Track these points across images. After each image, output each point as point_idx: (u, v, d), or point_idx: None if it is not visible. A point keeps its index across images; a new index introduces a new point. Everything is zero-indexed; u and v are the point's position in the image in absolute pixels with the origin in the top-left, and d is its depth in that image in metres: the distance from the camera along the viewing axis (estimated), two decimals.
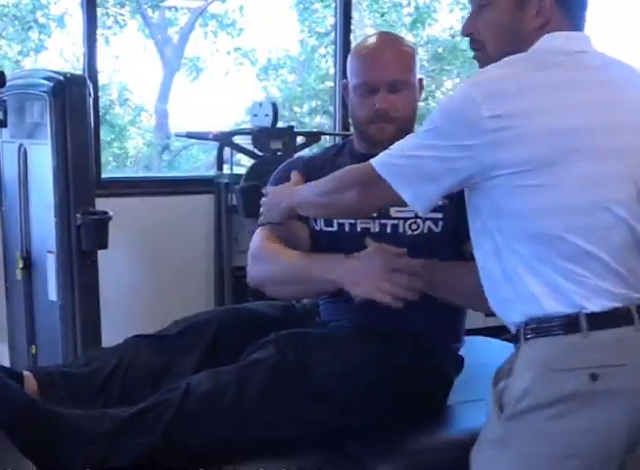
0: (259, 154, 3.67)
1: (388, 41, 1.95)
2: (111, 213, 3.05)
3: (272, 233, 1.90)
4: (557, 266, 1.38)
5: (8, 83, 2.93)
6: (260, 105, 3.79)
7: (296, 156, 2.90)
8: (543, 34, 1.47)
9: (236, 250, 3.76)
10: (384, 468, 1.48)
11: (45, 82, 3.01)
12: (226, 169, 3.93)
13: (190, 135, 4.09)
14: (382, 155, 1.49)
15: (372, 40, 1.94)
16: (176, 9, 6.60)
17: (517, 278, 1.41)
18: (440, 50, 6.86)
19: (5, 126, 3.21)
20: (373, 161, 1.49)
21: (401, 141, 1.49)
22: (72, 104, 2.95)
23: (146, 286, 3.88)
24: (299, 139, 3.88)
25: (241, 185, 3.55)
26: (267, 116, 3.66)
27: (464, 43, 6.66)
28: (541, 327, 1.41)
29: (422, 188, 1.44)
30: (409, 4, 6.72)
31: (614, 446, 1.41)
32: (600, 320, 1.37)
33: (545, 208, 1.38)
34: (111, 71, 6.06)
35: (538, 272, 1.40)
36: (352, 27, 6.50)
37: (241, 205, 3.54)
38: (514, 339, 1.47)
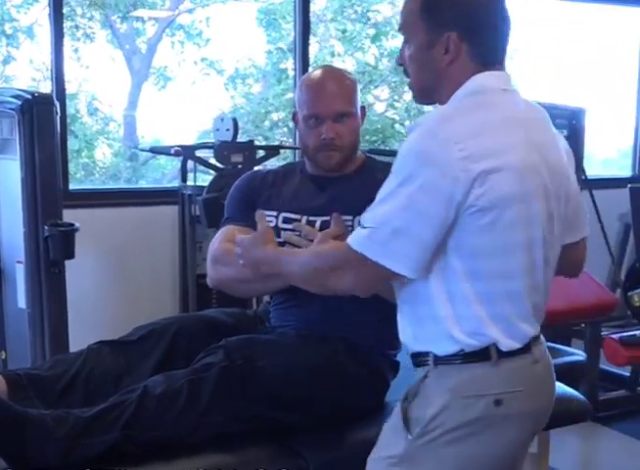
0: (221, 167, 3.79)
1: (333, 76, 2.09)
2: (77, 225, 3.16)
3: (230, 235, 1.98)
4: (481, 307, 1.43)
5: None
6: (222, 120, 3.91)
7: (255, 168, 3.04)
8: (454, 72, 1.49)
9: (199, 258, 3.87)
10: (319, 460, 1.61)
11: (14, 100, 3.12)
12: (190, 181, 4.05)
13: (153, 150, 4.17)
14: (362, 234, 1.42)
15: (317, 74, 2.09)
16: (144, 20, 6.62)
17: (450, 311, 1.45)
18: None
19: None
20: (355, 243, 1.42)
21: (376, 206, 1.42)
22: (40, 121, 3.08)
23: (113, 294, 3.99)
24: (260, 152, 4.01)
25: (203, 197, 3.66)
26: (228, 130, 3.79)
27: None
28: (455, 356, 1.46)
29: (416, 257, 1.40)
30: (369, 19, 6.82)
31: (508, 462, 1.54)
32: (507, 352, 1.46)
33: (495, 247, 1.42)
34: (80, 80, 6.07)
35: (461, 312, 1.44)
36: (317, 40, 6.65)
37: (203, 215, 3.66)
38: (417, 359, 1.52)
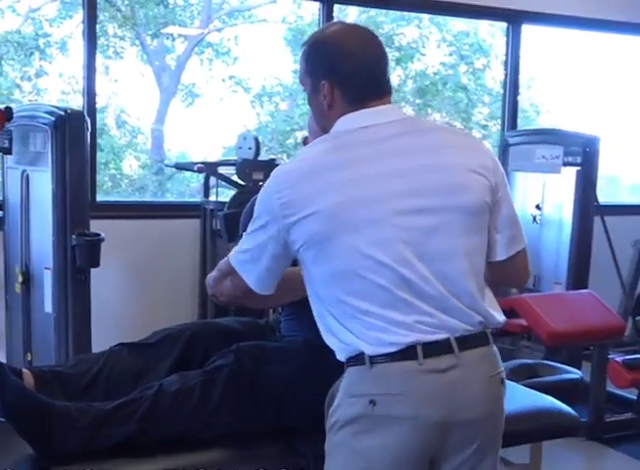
0: (242, 183, 3.93)
1: None
2: (103, 235, 3.31)
3: None
4: (351, 322, 1.58)
5: (14, 115, 3.23)
6: (245, 138, 4.06)
7: None
8: (334, 114, 1.69)
9: None
10: (320, 459, 1.72)
11: (47, 116, 3.30)
12: (213, 196, 4.19)
13: (177, 166, 4.32)
14: (237, 252, 1.73)
15: None
16: (174, 37, 6.74)
17: (333, 325, 1.63)
18: (423, 86, 7.03)
19: (10, 153, 3.51)
20: (232, 258, 1.73)
21: (247, 233, 1.71)
22: (71, 136, 3.25)
23: (134, 302, 4.15)
24: None
25: (224, 212, 3.81)
26: (250, 148, 3.94)
27: (444, 80, 6.93)
28: (350, 360, 1.62)
29: (258, 277, 1.69)
30: (394, 43, 6.89)
31: (405, 461, 1.59)
32: (379, 358, 1.57)
33: (328, 275, 1.60)
34: (109, 94, 6.19)
35: (330, 328, 1.63)
36: None
37: (224, 230, 3.81)
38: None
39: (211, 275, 1.90)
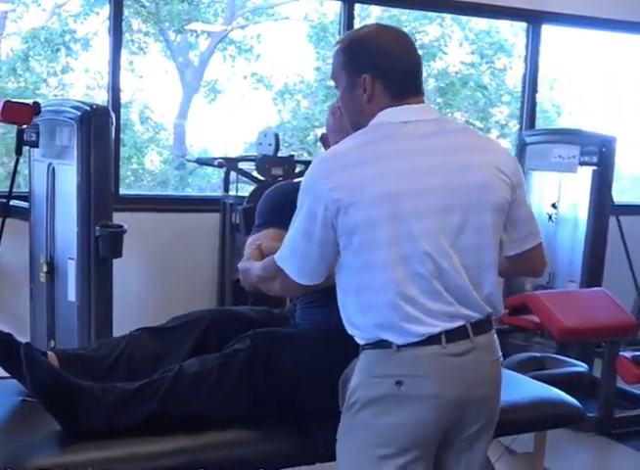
0: (262, 179, 4.00)
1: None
2: (125, 227, 3.41)
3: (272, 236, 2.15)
4: (383, 312, 1.67)
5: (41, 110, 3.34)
6: (265, 134, 4.13)
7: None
8: (374, 107, 1.75)
9: (237, 263, 4.09)
10: (331, 442, 1.80)
11: (74, 111, 3.39)
12: (233, 191, 4.27)
13: (198, 161, 4.41)
14: (281, 250, 1.77)
15: None
16: (198, 34, 6.79)
17: (355, 314, 1.72)
18: (443, 85, 7.07)
19: (37, 147, 3.62)
20: (277, 258, 1.78)
21: (289, 228, 1.75)
22: (97, 131, 3.35)
23: (154, 292, 4.25)
24: (300, 166, 4.22)
25: (243, 206, 3.88)
26: (270, 144, 4.01)
27: (464, 79, 6.96)
28: (366, 345, 1.72)
29: (300, 267, 1.73)
30: (416, 41, 6.89)
31: (423, 437, 1.71)
32: (408, 343, 1.67)
33: (370, 262, 1.66)
34: (133, 90, 6.23)
35: (356, 319, 1.72)
36: None
37: (243, 224, 3.88)
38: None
39: (254, 273, 1.94)
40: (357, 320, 1.74)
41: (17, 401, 2.00)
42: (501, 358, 1.83)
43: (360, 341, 1.75)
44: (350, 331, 1.76)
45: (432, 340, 1.68)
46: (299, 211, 1.73)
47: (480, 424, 1.79)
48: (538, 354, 3.79)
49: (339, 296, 1.77)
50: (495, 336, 1.82)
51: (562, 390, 2.38)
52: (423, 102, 1.80)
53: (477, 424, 1.78)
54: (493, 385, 1.80)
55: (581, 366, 3.53)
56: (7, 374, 2.02)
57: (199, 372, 1.94)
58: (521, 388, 2.40)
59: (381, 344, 1.70)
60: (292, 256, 1.76)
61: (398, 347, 1.68)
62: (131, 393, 1.88)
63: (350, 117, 1.83)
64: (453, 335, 1.70)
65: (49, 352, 2.04)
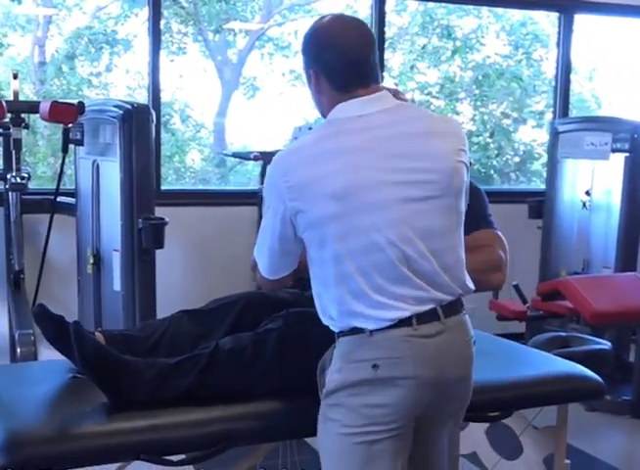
0: None
1: None
2: (167, 219, 3.53)
3: None
4: (353, 301, 1.74)
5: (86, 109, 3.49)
6: (300, 129, 4.21)
7: None
8: (327, 101, 1.81)
9: None
10: None
11: (116, 110, 3.52)
12: None
13: (235, 155, 4.53)
14: (257, 246, 1.89)
15: None
16: (235, 32, 6.90)
17: (327, 304, 1.80)
18: (480, 76, 7.09)
19: (82, 145, 3.77)
20: (255, 252, 1.90)
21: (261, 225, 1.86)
22: (138, 129, 3.47)
23: (195, 281, 4.39)
24: None
25: None
26: None
27: (500, 71, 6.98)
28: (341, 332, 1.80)
29: (266, 262, 1.86)
30: (450, 34, 6.92)
31: (401, 416, 1.76)
32: (380, 328, 1.73)
33: (336, 254, 1.72)
34: (174, 89, 6.31)
35: (328, 309, 1.80)
36: (402, 53, 6.85)
37: None
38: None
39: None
40: (330, 310, 1.80)
41: (68, 378, 2.15)
42: (474, 338, 1.87)
43: (335, 329, 1.82)
44: (325, 321, 1.84)
45: (402, 323, 1.73)
46: (264, 207, 1.82)
47: (459, 403, 1.86)
48: (563, 334, 3.85)
49: (312, 287, 1.85)
50: (467, 317, 1.86)
51: (586, 367, 2.46)
52: (377, 91, 1.82)
53: (456, 403, 1.85)
54: (467, 365, 1.85)
55: (605, 344, 3.59)
56: (59, 355, 2.18)
57: (234, 349, 2.05)
58: (544, 364, 2.48)
59: (354, 330, 1.76)
60: (261, 251, 1.87)
61: (371, 332, 1.74)
62: (171, 367, 2.01)
63: (316, 107, 1.89)
64: (424, 317, 1.75)
65: (96, 332, 2.19)
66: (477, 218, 2.23)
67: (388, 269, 1.73)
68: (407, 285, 1.75)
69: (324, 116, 1.87)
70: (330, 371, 1.83)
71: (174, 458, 1.93)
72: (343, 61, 1.79)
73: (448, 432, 1.89)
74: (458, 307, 1.83)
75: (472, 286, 1.87)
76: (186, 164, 6.91)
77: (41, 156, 5.97)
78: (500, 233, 2.29)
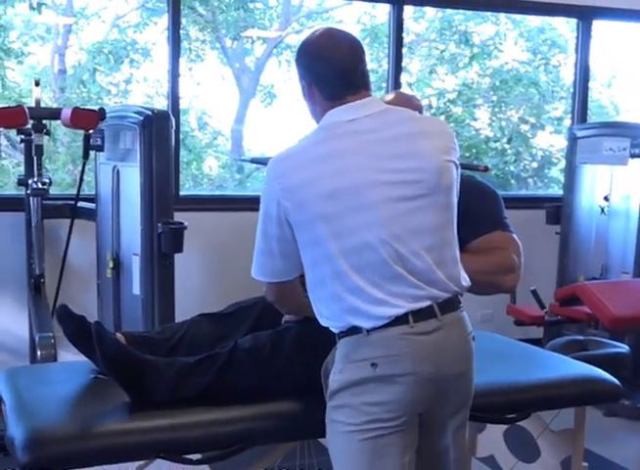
0: None
1: None
2: (186, 224, 3.56)
3: None
4: (349, 300, 1.77)
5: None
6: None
7: None
8: (321, 110, 1.87)
9: None
10: None
11: (136, 116, 3.56)
12: None
13: (253, 160, 4.55)
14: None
15: None
16: (253, 40, 6.94)
17: (331, 303, 1.82)
18: (498, 83, 7.10)
19: (102, 151, 3.81)
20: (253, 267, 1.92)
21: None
22: (158, 134, 3.50)
23: (214, 287, 4.41)
24: None
25: None
26: None
27: (518, 77, 6.99)
28: (340, 333, 1.83)
29: (263, 265, 1.89)
30: (468, 41, 6.93)
31: (402, 413, 1.78)
32: (377, 327, 1.76)
33: (328, 254, 1.76)
34: (191, 97, 6.34)
35: (323, 310, 1.83)
36: (419, 59, 6.87)
37: None
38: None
39: None
40: (326, 311, 1.84)
41: (89, 379, 2.18)
42: (472, 334, 1.89)
43: (334, 330, 1.85)
44: (324, 323, 1.87)
45: (398, 321, 1.77)
46: (260, 211, 1.85)
47: (461, 400, 1.88)
48: (581, 337, 3.84)
49: (308, 290, 1.89)
50: (465, 313, 1.89)
51: (604, 370, 2.46)
52: (366, 96, 1.88)
53: (457, 399, 1.87)
54: (466, 361, 1.87)
55: (622, 347, 3.58)
56: (79, 358, 2.21)
57: (252, 347, 2.08)
58: (561, 367, 2.49)
59: (352, 330, 1.79)
60: (258, 258, 1.90)
61: (368, 331, 1.77)
62: (191, 365, 2.04)
63: (311, 116, 1.95)
64: (420, 315, 1.78)
65: (117, 334, 2.22)
66: (491, 221, 2.25)
67: (381, 268, 1.77)
68: (402, 283, 1.78)
69: (318, 124, 1.91)
70: (332, 373, 1.86)
71: (193, 457, 1.95)
72: (334, 71, 1.86)
73: (452, 431, 1.90)
74: (455, 304, 1.85)
75: (467, 283, 1.90)
76: (203, 171, 6.94)
77: (61, 163, 6.03)
78: (515, 236, 2.30)
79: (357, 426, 1.80)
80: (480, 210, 2.16)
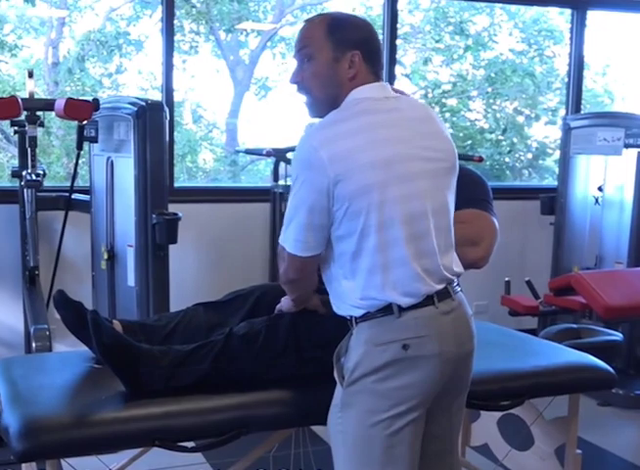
0: None
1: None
2: (180, 215, 3.56)
3: None
4: (380, 275, 1.75)
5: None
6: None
7: None
8: (354, 84, 1.84)
9: None
10: None
11: (130, 107, 3.54)
12: (282, 181, 4.41)
13: (248, 151, 4.55)
14: (283, 231, 1.82)
15: None
16: (248, 32, 6.92)
17: (353, 284, 1.79)
18: (493, 74, 7.10)
19: (96, 142, 3.79)
20: (280, 237, 1.84)
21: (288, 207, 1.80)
22: (152, 125, 3.49)
23: (209, 278, 4.41)
24: None
25: None
26: None
27: (512, 68, 6.98)
28: (365, 316, 1.80)
29: (298, 238, 1.78)
30: (463, 31, 6.92)
31: (427, 394, 1.81)
32: (410, 306, 1.77)
33: (377, 223, 1.74)
34: (186, 89, 6.31)
35: (367, 280, 1.77)
36: (414, 51, 6.87)
37: None
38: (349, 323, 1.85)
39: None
40: (357, 288, 1.78)
41: (85, 367, 2.19)
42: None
43: (355, 314, 1.82)
44: (345, 311, 1.84)
45: (427, 301, 1.79)
46: (297, 183, 1.76)
47: (466, 379, 1.92)
48: (575, 325, 3.86)
49: (330, 277, 1.85)
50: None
51: (598, 357, 2.47)
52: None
53: (466, 378, 1.92)
54: (473, 339, 1.93)
55: (616, 335, 3.59)
56: (77, 348, 2.22)
57: (247, 334, 2.09)
58: (555, 354, 2.50)
59: (384, 310, 1.78)
60: (288, 227, 1.80)
61: (400, 311, 1.77)
62: (186, 354, 2.04)
63: (325, 89, 1.86)
64: (441, 295, 1.82)
65: (114, 321, 2.22)
66: (469, 199, 2.22)
67: (424, 239, 1.79)
68: (432, 259, 1.81)
69: (331, 100, 1.85)
70: (349, 359, 1.83)
71: (188, 445, 1.96)
72: (380, 50, 1.93)
73: (454, 412, 1.94)
74: (457, 286, 1.90)
75: (460, 269, 1.93)
76: (198, 165, 6.93)
77: (55, 157, 6.01)
78: (493, 218, 2.26)
79: (377, 414, 1.79)
80: (458, 190, 2.14)
